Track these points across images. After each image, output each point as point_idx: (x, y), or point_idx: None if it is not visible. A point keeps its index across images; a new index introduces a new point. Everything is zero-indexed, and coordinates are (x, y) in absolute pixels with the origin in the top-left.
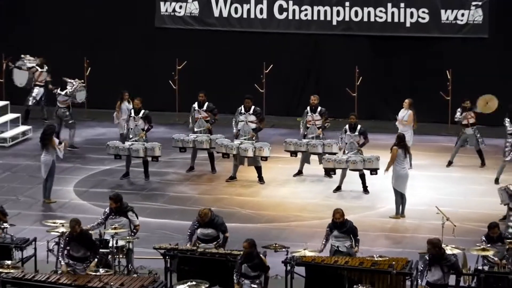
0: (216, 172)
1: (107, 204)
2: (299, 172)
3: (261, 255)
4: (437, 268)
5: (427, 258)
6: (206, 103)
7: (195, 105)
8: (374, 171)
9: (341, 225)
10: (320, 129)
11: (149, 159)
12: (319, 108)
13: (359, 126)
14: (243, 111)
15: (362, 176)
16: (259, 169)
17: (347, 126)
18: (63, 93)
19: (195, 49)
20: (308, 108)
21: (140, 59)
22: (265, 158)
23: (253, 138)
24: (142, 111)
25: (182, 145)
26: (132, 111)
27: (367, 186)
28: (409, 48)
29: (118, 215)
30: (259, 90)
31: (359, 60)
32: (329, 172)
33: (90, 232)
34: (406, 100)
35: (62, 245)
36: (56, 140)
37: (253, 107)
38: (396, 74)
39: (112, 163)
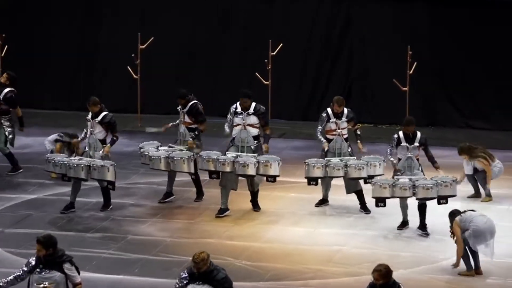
0: (202, 199)
1: (33, 251)
2: (324, 201)
3: None
4: None
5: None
6: (190, 104)
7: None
8: (443, 198)
9: None
10: (360, 141)
11: (105, 184)
12: (345, 111)
13: (419, 134)
14: (239, 109)
15: (422, 208)
16: (255, 194)
17: (400, 134)
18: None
19: (166, 21)
20: (329, 111)
21: (83, 35)
22: (273, 178)
23: (264, 151)
24: (103, 114)
25: (165, 167)
26: (90, 114)
27: (426, 225)
28: (490, 19)
29: (48, 268)
30: (263, 81)
31: (412, 38)
32: (366, 204)
33: None
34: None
35: None
36: None
37: (253, 104)
38: (470, 58)
39: (40, 190)
